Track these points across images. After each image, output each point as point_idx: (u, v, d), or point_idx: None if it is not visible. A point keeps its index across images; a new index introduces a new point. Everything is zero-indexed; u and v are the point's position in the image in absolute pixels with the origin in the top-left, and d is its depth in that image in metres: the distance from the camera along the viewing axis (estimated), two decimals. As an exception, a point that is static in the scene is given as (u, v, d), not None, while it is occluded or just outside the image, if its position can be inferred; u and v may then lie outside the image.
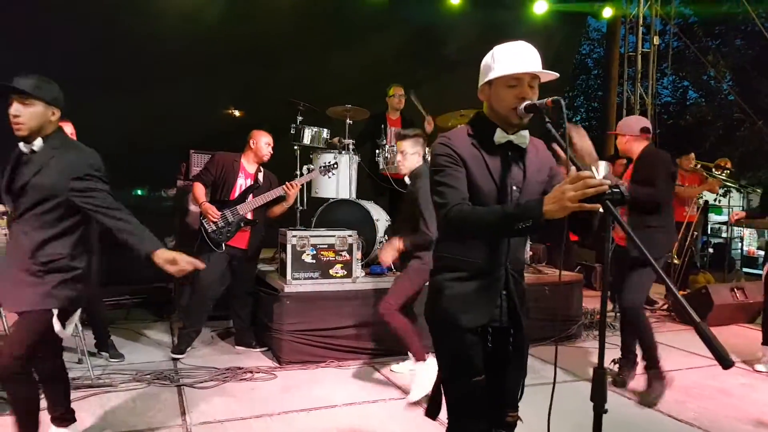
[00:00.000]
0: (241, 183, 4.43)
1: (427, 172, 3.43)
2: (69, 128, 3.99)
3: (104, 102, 5.51)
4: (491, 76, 1.85)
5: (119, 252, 5.16)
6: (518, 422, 2.03)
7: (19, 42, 5.30)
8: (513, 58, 1.82)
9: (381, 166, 5.29)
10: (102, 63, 5.61)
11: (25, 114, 2.33)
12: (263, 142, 4.42)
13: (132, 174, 6.17)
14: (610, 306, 5.89)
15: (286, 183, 4.46)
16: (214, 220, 4.25)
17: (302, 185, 5.05)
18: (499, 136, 1.87)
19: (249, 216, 4.39)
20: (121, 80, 5.73)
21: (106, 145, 4.57)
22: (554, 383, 1.75)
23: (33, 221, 2.36)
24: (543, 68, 1.83)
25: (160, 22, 5.96)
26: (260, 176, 4.52)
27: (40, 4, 5.34)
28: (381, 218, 5.04)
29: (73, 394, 3.35)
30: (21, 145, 2.38)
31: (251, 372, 3.93)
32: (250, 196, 4.39)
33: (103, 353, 4.17)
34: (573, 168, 1.61)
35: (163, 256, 2.37)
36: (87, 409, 3.26)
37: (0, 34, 5.23)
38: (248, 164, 4.48)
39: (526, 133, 1.90)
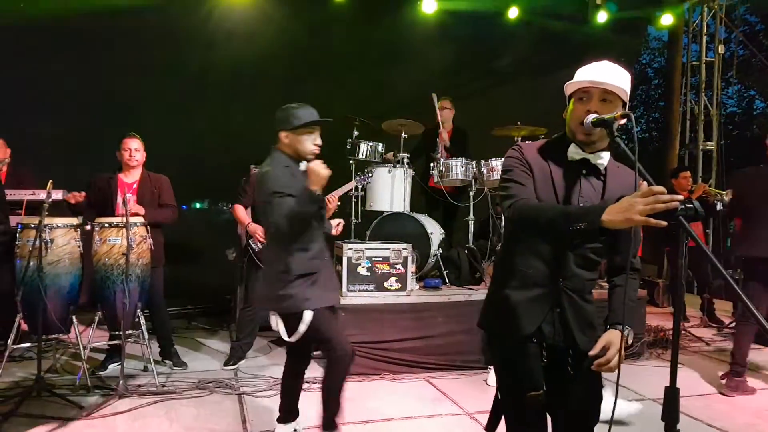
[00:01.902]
0: None
1: None
2: (136, 143, 4.20)
3: (166, 120, 5.79)
4: (567, 91, 1.88)
5: (182, 263, 5.42)
6: None
7: (88, 67, 5.63)
8: (587, 73, 1.82)
9: (435, 179, 5.30)
10: (165, 85, 5.91)
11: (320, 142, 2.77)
12: None
13: (192, 188, 6.41)
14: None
15: (326, 197, 4.44)
16: (262, 239, 4.29)
17: (352, 194, 5.12)
18: (573, 152, 1.85)
19: None
20: (184, 100, 6.01)
21: (168, 161, 4.86)
22: (615, 403, 1.70)
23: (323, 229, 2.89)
24: (624, 83, 1.80)
25: (218, 43, 6.23)
26: None
27: (106, 31, 5.68)
28: (435, 231, 5.03)
29: (140, 401, 3.53)
30: (303, 164, 2.76)
31: (308, 382, 3.94)
32: None
33: (167, 361, 4.33)
34: (644, 183, 1.58)
35: None
36: (153, 414, 3.39)
37: (68, 58, 5.58)
38: None
39: (605, 154, 1.87)
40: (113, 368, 4.11)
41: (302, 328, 2.64)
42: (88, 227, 3.91)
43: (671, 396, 1.51)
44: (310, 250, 2.70)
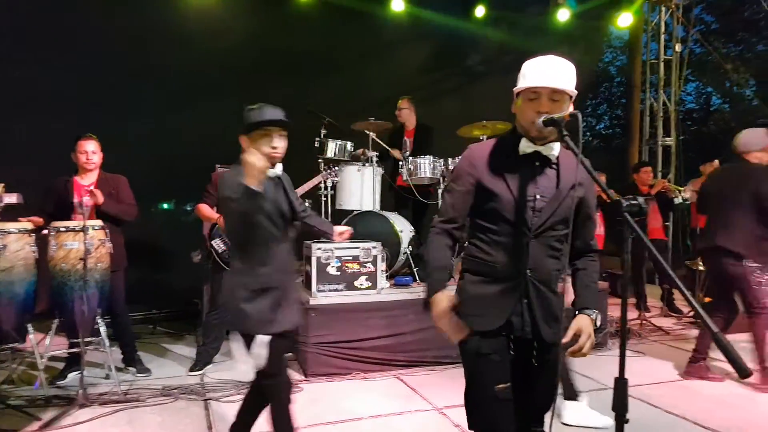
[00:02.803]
0: None
1: None
2: (92, 145, 4.05)
3: (131, 119, 5.65)
4: (516, 89, 1.91)
5: (145, 266, 5.29)
6: None
7: (49, 65, 5.45)
8: (535, 72, 1.84)
9: (404, 178, 5.29)
10: (130, 82, 5.76)
11: (282, 145, 2.48)
12: None
13: (158, 189, 6.26)
14: (635, 314, 5.80)
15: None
16: None
17: (321, 194, 5.08)
18: (524, 146, 1.89)
19: None
20: (149, 100, 5.86)
21: (133, 161, 4.73)
22: (557, 392, 1.76)
23: (289, 241, 2.54)
24: (571, 81, 1.84)
25: (187, 38, 6.09)
26: None
27: (67, 28, 5.52)
28: (405, 229, 5.02)
29: (101, 409, 3.42)
30: (270, 171, 2.44)
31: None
32: None
33: (131, 368, 4.20)
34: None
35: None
36: (115, 424, 3.27)
37: (32, 60, 5.40)
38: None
39: (555, 145, 1.91)
40: (73, 377, 3.96)
41: (260, 352, 2.36)
42: (44, 232, 3.77)
43: (621, 386, 1.57)
44: (271, 264, 2.41)
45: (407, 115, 5.90)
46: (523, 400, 1.95)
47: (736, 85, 14.27)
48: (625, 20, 8.64)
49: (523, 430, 1.98)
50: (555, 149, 1.90)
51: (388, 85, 7.05)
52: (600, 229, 6.80)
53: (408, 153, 5.44)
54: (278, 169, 2.51)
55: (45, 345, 3.78)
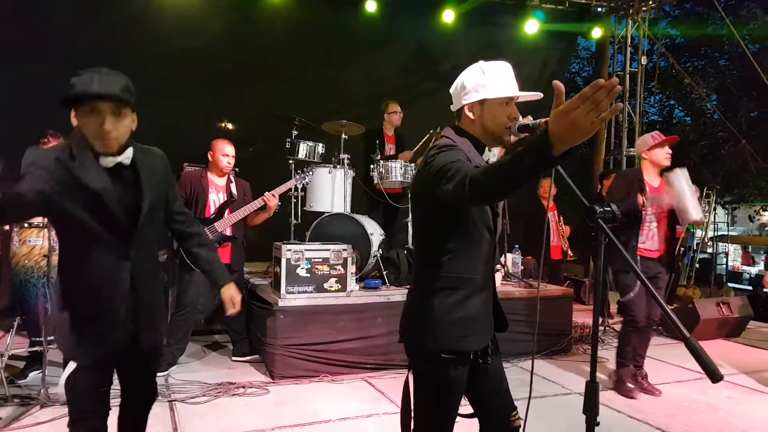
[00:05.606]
0: (214, 198, 4.33)
1: None
2: None
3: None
4: (491, 94, 1.79)
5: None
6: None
7: (19, 62, 5.33)
8: (507, 79, 1.83)
9: (375, 181, 5.33)
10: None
11: (120, 125, 1.80)
12: (220, 155, 4.29)
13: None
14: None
15: (265, 194, 4.36)
16: None
17: (292, 195, 5.10)
18: (488, 155, 1.89)
19: (228, 232, 4.33)
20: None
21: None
22: (529, 397, 1.80)
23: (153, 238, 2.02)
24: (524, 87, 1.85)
25: (159, 36, 6.02)
26: (233, 187, 4.42)
27: (38, 23, 5.40)
28: (375, 232, 5.06)
29: (62, 410, 3.31)
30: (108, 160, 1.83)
31: (243, 387, 3.91)
32: (227, 211, 4.30)
33: (94, 367, 4.13)
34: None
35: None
36: (78, 423, 3.22)
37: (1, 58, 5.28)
38: (216, 178, 4.38)
39: (496, 150, 1.92)
40: (34, 376, 3.87)
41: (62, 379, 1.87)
42: (6, 227, 3.68)
43: (591, 390, 1.62)
44: (90, 269, 1.75)
45: (397, 119, 5.92)
46: (505, 395, 1.93)
47: (698, 98, 14.74)
48: (594, 33, 8.89)
49: (508, 424, 1.91)
50: (496, 153, 1.93)
51: (361, 87, 7.07)
52: (555, 239, 6.98)
53: (380, 158, 5.48)
54: (125, 155, 1.85)
55: (6, 343, 3.70)
